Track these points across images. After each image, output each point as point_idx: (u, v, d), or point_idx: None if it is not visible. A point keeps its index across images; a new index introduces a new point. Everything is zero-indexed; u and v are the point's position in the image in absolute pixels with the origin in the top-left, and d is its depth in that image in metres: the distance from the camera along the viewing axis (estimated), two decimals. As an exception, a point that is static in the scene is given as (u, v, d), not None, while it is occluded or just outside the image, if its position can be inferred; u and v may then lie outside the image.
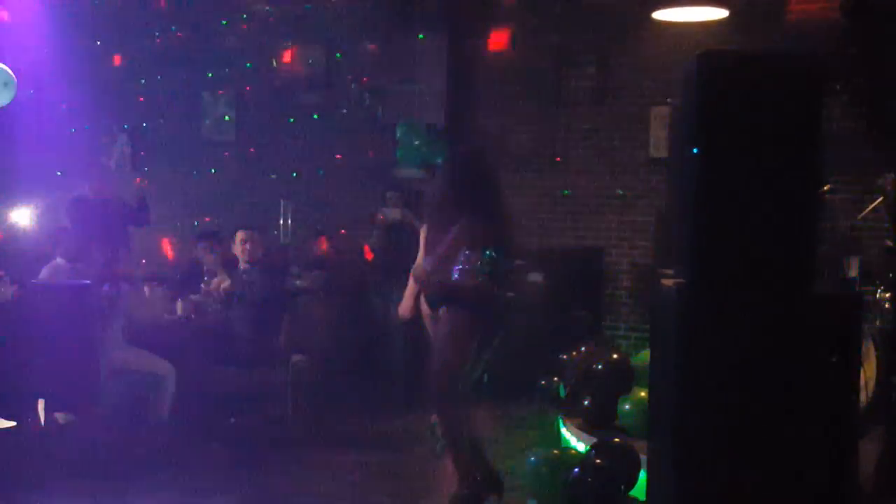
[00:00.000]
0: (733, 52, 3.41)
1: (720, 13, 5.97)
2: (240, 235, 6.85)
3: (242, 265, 6.73)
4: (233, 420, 6.33)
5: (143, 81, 9.68)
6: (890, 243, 6.47)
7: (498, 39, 8.77)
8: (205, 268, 7.23)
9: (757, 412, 3.34)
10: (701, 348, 3.36)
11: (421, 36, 8.76)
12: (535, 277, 8.14)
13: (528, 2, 8.62)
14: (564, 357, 7.28)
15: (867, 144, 7.68)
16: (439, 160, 8.39)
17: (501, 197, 5.06)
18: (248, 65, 9.53)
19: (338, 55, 9.32)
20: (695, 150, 3.37)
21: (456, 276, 4.82)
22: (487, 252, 5.05)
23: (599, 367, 5.66)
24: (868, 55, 7.49)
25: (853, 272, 6.55)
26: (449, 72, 8.64)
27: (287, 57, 9.40)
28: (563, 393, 6.71)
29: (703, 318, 3.36)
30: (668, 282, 3.64)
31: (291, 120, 9.48)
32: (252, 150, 9.58)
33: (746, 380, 3.34)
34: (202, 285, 6.66)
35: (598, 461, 4.01)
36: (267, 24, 9.41)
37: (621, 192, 8.38)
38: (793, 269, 3.34)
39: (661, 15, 6.11)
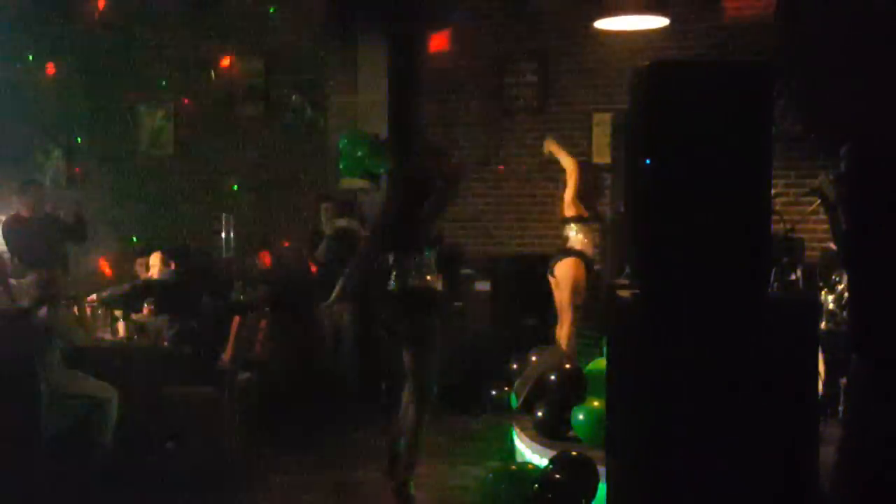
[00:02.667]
0: (682, 61, 3.41)
1: (660, 21, 6.00)
2: (152, 260, 6.81)
3: None
4: (170, 444, 6.17)
5: (77, 95, 9.45)
6: (833, 246, 6.58)
7: (439, 49, 8.75)
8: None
9: (716, 420, 3.33)
10: (658, 358, 3.34)
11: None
12: (483, 286, 8.13)
13: (469, 10, 8.61)
14: (514, 366, 7.29)
15: (804, 146, 7.81)
16: (382, 170, 8.39)
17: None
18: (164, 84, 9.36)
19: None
20: (647, 161, 3.36)
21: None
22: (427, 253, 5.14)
23: (553, 377, 5.63)
24: (802, 57, 7.61)
25: (794, 275, 6.64)
26: (391, 82, 8.61)
27: (225, 68, 9.25)
28: (514, 403, 6.68)
29: (659, 328, 3.34)
30: (623, 292, 3.63)
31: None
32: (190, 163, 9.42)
33: (705, 387, 3.33)
34: (144, 304, 6.50)
35: (557, 476, 3.97)
36: (204, 34, 9.25)
37: None
38: (747, 275, 3.34)
39: (602, 24, 6.11)
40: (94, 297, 6.60)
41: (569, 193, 6.78)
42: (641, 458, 3.44)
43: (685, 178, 3.33)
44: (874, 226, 3.25)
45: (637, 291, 3.49)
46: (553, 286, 7.08)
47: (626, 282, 4.05)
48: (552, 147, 6.90)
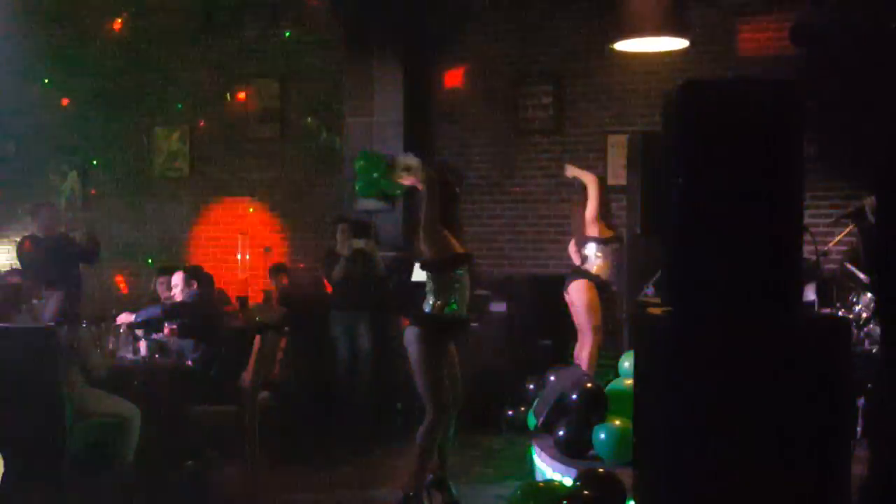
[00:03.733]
0: (715, 80, 3.45)
1: (681, 43, 6.05)
2: (174, 279, 6.73)
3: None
4: (191, 463, 6.18)
5: (93, 118, 9.54)
6: (849, 265, 6.60)
7: (454, 69, 8.82)
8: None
9: (748, 437, 3.35)
10: (690, 375, 3.36)
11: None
12: (498, 307, 8.15)
13: (484, 32, 8.68)
14: (531, 386, 7.29)
15: (819, 168, 7.85)
16: (398, 191, 8.44)
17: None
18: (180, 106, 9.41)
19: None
20: (680, 180, 3.39)
21: None
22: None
23: (574, 395, 5.65)
24: (817, 80, 7.66)
25: (810, 295, 6.66)
26: (406, 103, 8.67)
27: (241, 91, 9.33)
28: (531, 423, 6.69)
29: (691, 345, 3.36)
30: (654, 310, 3.65)
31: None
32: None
33: (736, 405, 3.34)
34: (165, 324, 6.53)
35: (585, 492, 3.98)
36: (220, 57, 9.34)
37: None
38: (780, 295, 3.36)
39: (622, 46, 6.16)
40: (123, 318, 6.62)
41: (590, 211, 6.70)
42: (671, 475, 3.45)
43: (717, 196, 3.36)
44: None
45: (668, 309, 3.51)
46: (569, 306, 7.05)
47: (649, 300, 4.08)
48: (573, 171, 6.91)
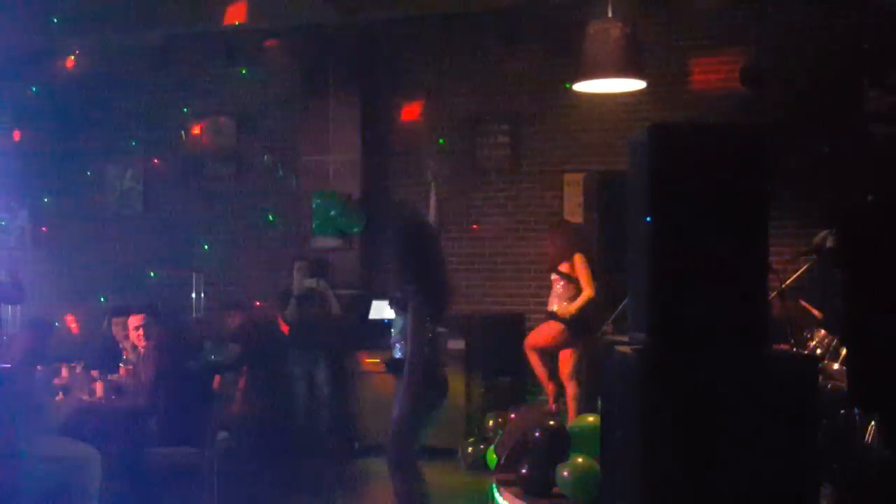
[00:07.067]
0: (682, 124, 3.53)
1: (638, 84, 6.17)
2: (132, 322, 6.54)
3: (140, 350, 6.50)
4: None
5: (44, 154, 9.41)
6: (803, 302, 6.73)
7: (411, 109, 8.88)
8: (121, 345, 7.00)
9: (717, 475, 3.39)
10: (661, 412, 3.40)
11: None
12: (457, 344, 8.16)
13: (441, 72, 8.77)
14: (490, 423, 7.30)
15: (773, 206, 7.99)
16: (356, 230, 8.45)
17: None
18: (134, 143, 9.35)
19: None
20: (648, 220, 3.46)
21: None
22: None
23: (537, 434, 5.67)
24: (767, 122, 7.85)
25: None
26: (363, 141, 8.72)
27: (197, 129, 9.29)
28: (491, 462, 6.68)
29: (663, 382, 3.41)
30: (623, 348, 3.69)
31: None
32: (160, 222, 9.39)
33: (706, 443, 3.39)
34: (121, 365, 6.43)
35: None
36: (175, 94, 9.30)
37: None
38: (747, 332, 3.43)
39: (581, 87, 6.26)
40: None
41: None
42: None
43: (685, 235, 3.43)
44: (874, 286, 3.36)
45: (637, 347, 3.56)
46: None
47: (616, 338, 4.13)
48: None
